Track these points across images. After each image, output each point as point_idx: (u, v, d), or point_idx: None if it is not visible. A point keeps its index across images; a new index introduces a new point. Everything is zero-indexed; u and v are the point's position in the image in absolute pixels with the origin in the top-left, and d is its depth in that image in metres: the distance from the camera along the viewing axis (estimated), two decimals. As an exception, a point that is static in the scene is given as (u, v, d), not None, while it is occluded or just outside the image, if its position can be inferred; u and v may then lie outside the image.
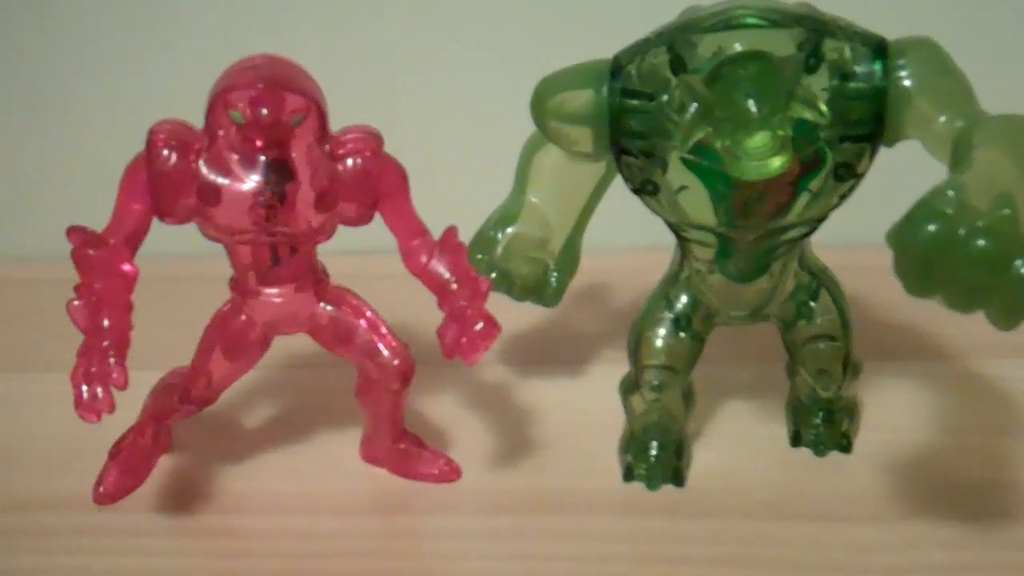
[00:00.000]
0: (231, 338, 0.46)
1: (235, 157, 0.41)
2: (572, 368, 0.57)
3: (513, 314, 0.49)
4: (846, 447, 0.49)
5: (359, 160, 0.43)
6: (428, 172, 0.46)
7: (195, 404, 0.48)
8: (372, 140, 0.43)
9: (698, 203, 0.40)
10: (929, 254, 0.30)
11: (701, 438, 0.50)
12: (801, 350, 0.48)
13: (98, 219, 0.42)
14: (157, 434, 0.49)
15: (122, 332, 0.41)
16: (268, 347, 0.47)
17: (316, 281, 0.46)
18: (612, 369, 0.50)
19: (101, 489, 0.47)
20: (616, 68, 0.39)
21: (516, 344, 0.59)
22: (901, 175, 0.41)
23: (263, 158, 0.41)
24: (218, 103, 0.41)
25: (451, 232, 0.45)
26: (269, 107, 0.40)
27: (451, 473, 0.49)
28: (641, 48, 0.39)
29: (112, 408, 0.40)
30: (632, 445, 0.48)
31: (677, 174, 0.39)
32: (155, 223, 0.43)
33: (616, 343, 0.51)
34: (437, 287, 0.44)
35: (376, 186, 0.43)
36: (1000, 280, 0.30)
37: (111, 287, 0.41)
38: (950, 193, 0.31)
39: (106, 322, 0.41)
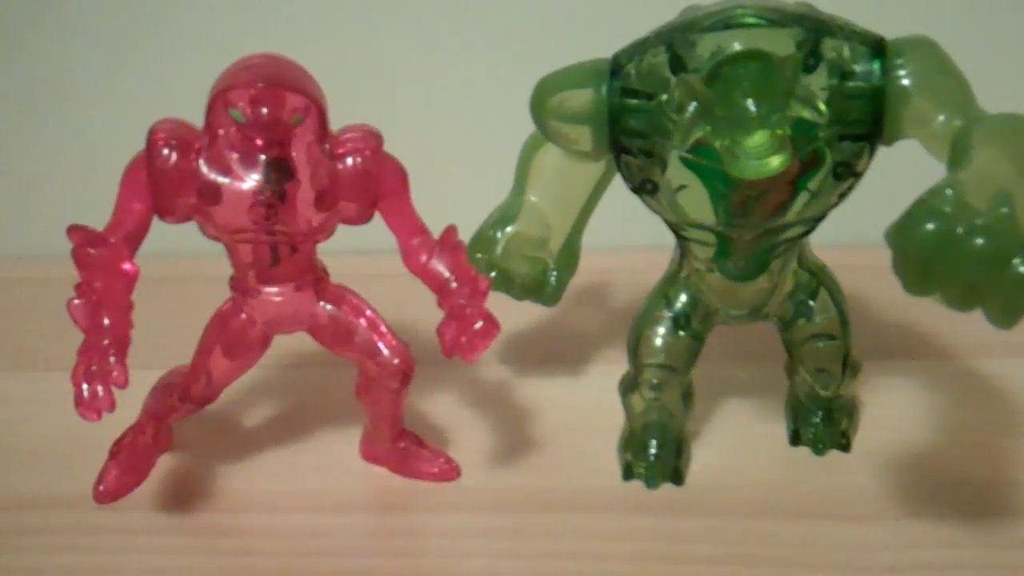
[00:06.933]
0: (231, 337, 0.46)
1: (235, 156, 0.41)
2: (572, 367, 0.57)
3: (513, 313, 0.49)
4: (845, 446, 0.49)
5: (359, 159, 0.43)
6: (428, 171, 0.46)
7: (195, 403, 0.48)
8: (372, 139, 0.43)
9: (697, 202, 0.40)
10: (928, 253, 0.30)
11: (700, 437, 0.50)
12: (800, 349, 0.48)
13: (98, 218, 0.43)
14: (157, 433, 0.49)
15: (122, 331, 0.41)
16: (268, 346, 0.47)
17: (316, 280, 0.46)
18: (611, 368, 0.50)
19: (101, 488, 0.47)
20: (615, 67, 0.39)
21: (516, 343, 0.59)
22: (900, 174, 0.41)
23: (263, 157, 0.41)
24: (218, 102, 0.41)
25: (451, 231, 0.45)
26: (269, 106, 0.40)
27: (451, 472, 0.49)
28: (640, 47, 0.39)
29: (112, 406, 0.40)
30: (631, 444, 0.49)
31: (676, 173, 0.39)
32: (155, 222, 0.43)
33: (616, 342, 0.51)
34: (437, 286, 0.44)
35: (376, 185, 0.43)
36: (998, 278, 0.30)
37: (111, 286, 0.41)
38: (948, 192, 0.31)
39: (106, 321, 0.41)
